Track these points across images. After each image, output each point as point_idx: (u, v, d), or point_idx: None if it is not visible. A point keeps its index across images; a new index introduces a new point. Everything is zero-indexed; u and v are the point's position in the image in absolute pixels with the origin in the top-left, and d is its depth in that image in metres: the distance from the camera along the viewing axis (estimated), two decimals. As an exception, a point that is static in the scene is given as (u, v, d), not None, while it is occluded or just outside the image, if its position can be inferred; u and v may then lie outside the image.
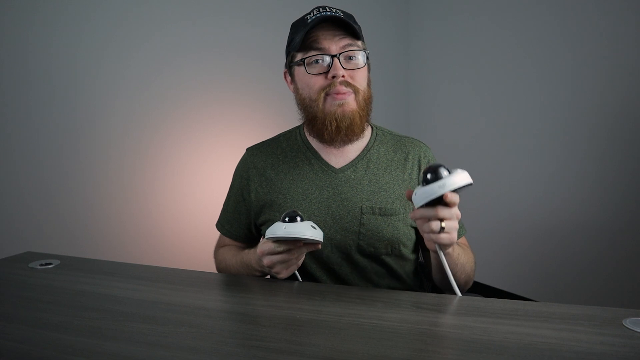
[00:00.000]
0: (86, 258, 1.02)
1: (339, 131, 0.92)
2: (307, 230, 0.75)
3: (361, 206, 0.94)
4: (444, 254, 0.77)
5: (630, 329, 0.60)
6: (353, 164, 0.98)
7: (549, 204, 2.29)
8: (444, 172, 0.70)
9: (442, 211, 0.71)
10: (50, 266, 0.93)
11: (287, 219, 0.76)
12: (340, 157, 0.99)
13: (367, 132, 1.03)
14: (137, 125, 2.09)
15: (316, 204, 0.94)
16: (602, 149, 2.03)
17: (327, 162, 0.98)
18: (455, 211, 0.73)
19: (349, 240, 0.94)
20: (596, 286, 2.07)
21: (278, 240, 0.79)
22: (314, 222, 0.79)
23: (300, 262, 0.83)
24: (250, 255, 0.90)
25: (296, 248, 0.80)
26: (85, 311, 0.69)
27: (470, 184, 0.70)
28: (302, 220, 0.77)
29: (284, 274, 0.83)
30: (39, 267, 0.92)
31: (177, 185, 2.23)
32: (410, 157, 1.00)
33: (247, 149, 1.08)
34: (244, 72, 2.42)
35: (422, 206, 0.72)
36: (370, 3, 2.99)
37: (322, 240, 0.79)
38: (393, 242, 0.94)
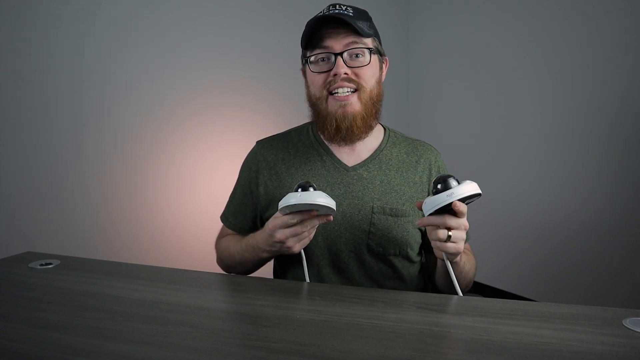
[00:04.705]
0: (86, 258, 1.01)
1: (338, 131, 0.92)
2: (321, 197, 0.76)
3: (372, 205, 0.93)
4: (451, 262, 0.78)
5: (630, 329, 0.60)
6: (365, 163, 0.98)
7: (549, 204, 2.29)
8: (453, 182, 0.72)
9: (450, 220, 0.73)
10: (50, 266, 0.93)
11: (299, 189, 0.77)
12: (352, 155, 0.99)
13: (379, 133, 1.03)
14: (137, 126, 2.09)
15: None
16: (602, 150, 2.03)
17: (339, 160, 0.98)
18: (463, 221, 0.74)
19: (359, 239, 0.93)
20: (596, 286, 2.07)
21: (291, 212, 0.79)
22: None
23: (312, 236, 0.83)
24: (257, 237, 0.90)
25: (309, 219, 0.79)
26: (85, 311, 0.69)
27: (479, 195, 0.73)
28: (314, 190, 0.77)
29: (297, 248, 0.83)
30: (39, 267, 0.92)
31: (177, 185, 2.23)
32: (422, 161, 1.00)
33: (258, 142, 1.07)
34: (244, 72, 2.42)
35: (430, 214, 0.74)
36: (370, 3, 2.98)
37: (335, 210, 0.79)
38: (402, 243, 0.94)
